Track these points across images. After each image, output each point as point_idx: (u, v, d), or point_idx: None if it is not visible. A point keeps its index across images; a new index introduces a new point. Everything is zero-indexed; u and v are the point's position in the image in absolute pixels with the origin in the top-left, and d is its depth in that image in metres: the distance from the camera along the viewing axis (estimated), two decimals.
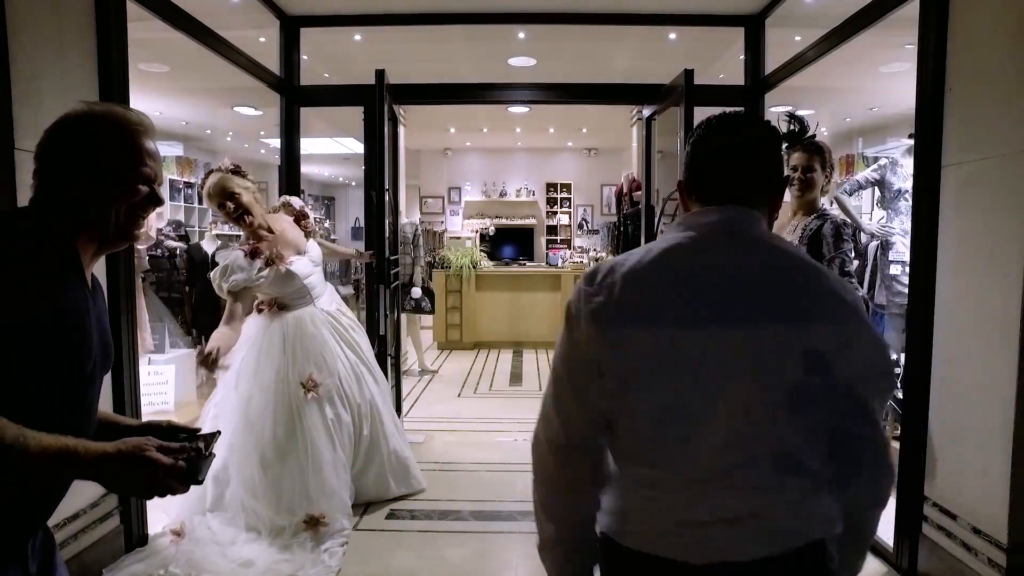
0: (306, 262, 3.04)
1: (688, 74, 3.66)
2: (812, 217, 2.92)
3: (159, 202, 1.21)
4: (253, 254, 2.84)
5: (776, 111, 3.79)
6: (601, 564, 1.13)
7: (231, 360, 2.90)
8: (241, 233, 3.00)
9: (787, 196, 3.11)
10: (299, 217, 3.20)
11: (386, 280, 3.85)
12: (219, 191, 2.79)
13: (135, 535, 2.71)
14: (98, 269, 2.55)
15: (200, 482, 1.09)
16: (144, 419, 1.15)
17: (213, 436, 1.18)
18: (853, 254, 2.97)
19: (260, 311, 3.03)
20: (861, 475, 1.08)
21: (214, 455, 1.16)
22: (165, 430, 1.24)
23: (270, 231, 2.95)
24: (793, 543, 1.01)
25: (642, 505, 1.05)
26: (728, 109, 1.27)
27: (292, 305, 3.02)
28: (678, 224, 1.11)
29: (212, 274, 2.90)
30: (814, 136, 3.09)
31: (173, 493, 1.07)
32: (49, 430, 0.99)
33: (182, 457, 1.06)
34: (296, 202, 3.29)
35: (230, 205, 2.80)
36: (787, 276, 1.04)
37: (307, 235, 3.18)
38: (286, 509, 2.82)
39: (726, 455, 1.00)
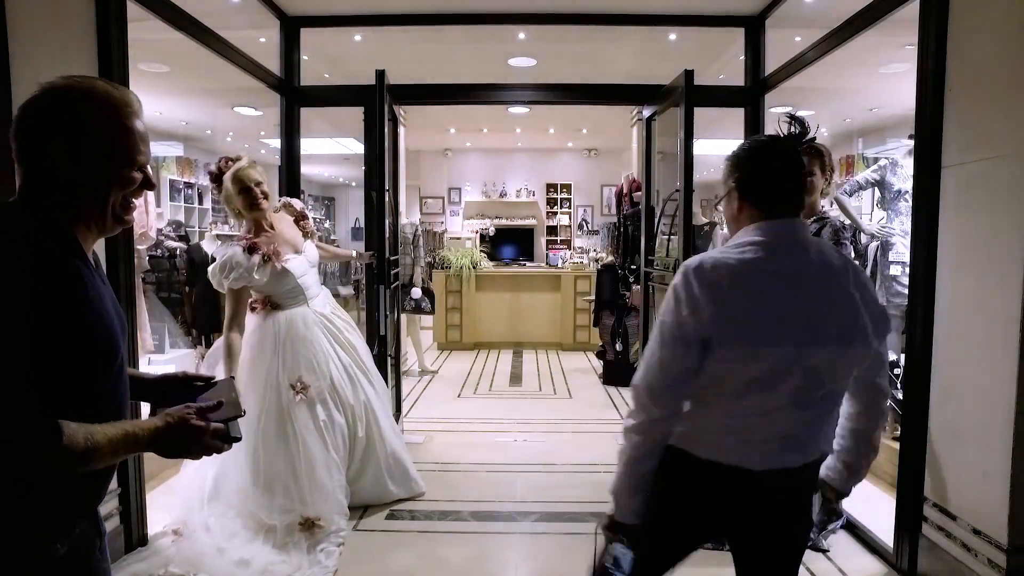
0: (302, 261, 3.04)
1: (688, 75, 3.66)
2: (811, 220, 2.92)
3: (152, 186, 1.21)
4: (251, 249, 2.85)
5: (776, 112, 3.79)
6: (672, 473, 1.49)
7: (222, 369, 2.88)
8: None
9: None
10: (299, 218, 3.22)
11: (386, 280, 3.85)
12: (251, 175, 2.88)
13: (135, 535, 2.71)
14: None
15: (239, 439, 1.21)
16: (145, 416, 1.20)
17: (230, 384, 1.32)
18: (852, 255, 2.97)
19: (253, 309, 3.02)
20: (879, 409, 1.56)
21: (244, 412, 1.29)
22: (181, 380, 1.37)
23: (271, 227, 2.98)
24: (816, 454, 1.51)
25: (718, 427, 1.44)
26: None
27: (285, 304, 3.01)
28: (755, 229, 1.46)
29: (211, 270, 2.88)
30: (814, 139, 3.09)
31: (219, 452, 1.19)
32: (106, 413, 1.09)
33: (219, 419, 1.18)
34: (296, 203, 3.32)
35: (256, 190, 2.88)
36: (837, 269, 1.44)
37: (305, 236, 3.19)
38: (279, 509, 2.82)
39: (793, 398, 1.39)
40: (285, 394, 2.91)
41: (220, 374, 2.82)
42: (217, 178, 2.94)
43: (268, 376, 2.91)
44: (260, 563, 2.57)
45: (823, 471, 1.61)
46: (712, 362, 1.39)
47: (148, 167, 1.20)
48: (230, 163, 2.92)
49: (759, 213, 1.48)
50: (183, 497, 2.84)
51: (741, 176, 1.53)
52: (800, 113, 3.26)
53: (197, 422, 1.14)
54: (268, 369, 2.92)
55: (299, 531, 2.79)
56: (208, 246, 6.41)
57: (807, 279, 1.41)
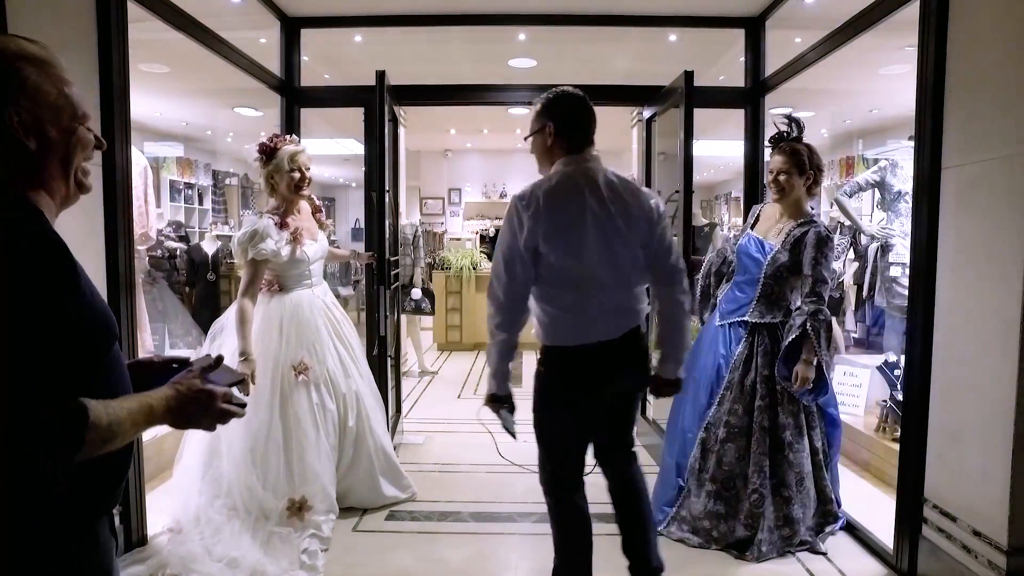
0: (316, 249, 3.15)
1: (688, 76, 3.66)
2: (798, 223, 2.91)
3: (103, 145, 1.14)
4: (282, 225, 2.98)
5: (776, 113, 3.79)
6: (543, 367, 2.23)
7: (227, 340, 2.93)
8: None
9: (768, 197, 3.12)
10: (315, 210, 3.32)
11: (386, 281, 3.85)
12: (307, 161, 3.07)
13: (135, 535, 2.71)
14: (97, 268, 2.56)
15: (244, 404, 1.21)
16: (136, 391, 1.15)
17: (209, 361, 1.21)
18: (833, 270, 2.94)
19: (260, 289, 3.04)
20: (680, 288, 2.20)
21: (243, 378, 1.30)
22: (159, 365, 1.30)
23: (299, 212, 3.11)
24: (628, 328, 2.16)
25: (561, 318, 2.13)
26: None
27: (291, 287, 3.06)
28: (562, 162, 2.15)
29: (238, 237, 2.93)
30: (798, 139, 3.09)
31: (234, 417, 1.16)
32: (115, 394, 1.06)
33: (223, 383, 1.18)
34: (315, 198, 3.40)
35: (308, 175, 3.06)
36: (618, 187, 2.11)
37: (321, 228, 3.29)
38: (272, 490, 2.83)
39: (601, 288, 2.08)
40: (287, 375, 2.95)
41: (228, 344, 2.86)
42: (268, 151, 3.01)
43: (272, 356, 2.94)
44: (249, 563, 2.57)
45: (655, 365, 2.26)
46: (544, 267, 2.05)
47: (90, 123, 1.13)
48: (281, 141, 3.04)
49: (565, 149, 2.15)
50: (179, 491, 2.85)
51: (555, 120, 2.14)
52: (800, 114, 3.27)
53: (208, 386, 1.13)
54: (273, 349, 2.95)
55: (288, 516, 2.80)
56: (208, 247, 6.43)
57: (598, 196, 2.06)
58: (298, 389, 2.95)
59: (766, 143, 3.12)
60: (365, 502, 3.22)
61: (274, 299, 3.03)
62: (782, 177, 2.91)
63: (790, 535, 2.83)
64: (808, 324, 2.76)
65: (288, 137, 3.12)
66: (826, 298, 2.83)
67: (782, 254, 2.88)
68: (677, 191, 3.92)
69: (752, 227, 3.10)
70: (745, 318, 2.96)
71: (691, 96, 3.66)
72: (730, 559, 2.80)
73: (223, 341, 2.94)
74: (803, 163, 2.90)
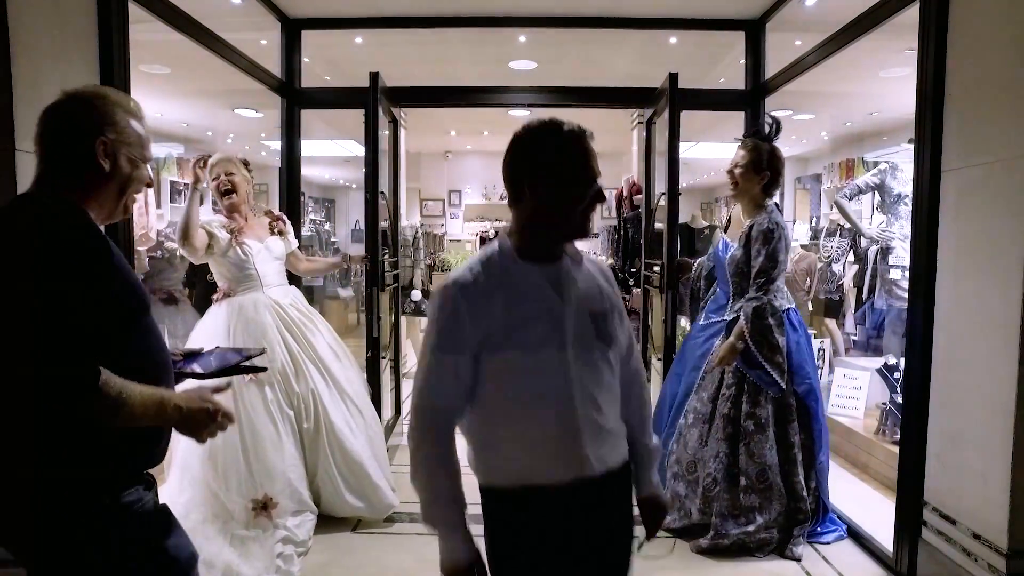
0: (260, 248, 3.20)
1: (672, 78, 3.66)
2: (751, 220, 2.96)
3: (152, 184, 1.41)
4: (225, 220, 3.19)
5: (776, 115, 3.79)
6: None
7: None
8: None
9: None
10: (274, 219, 3.39)
11: (379, 283, 3.85)
12: (223, 162, 3.19)
13: None
14: None
15: (265, 368, 1.52)
16: None
17: (212, 354, 1.58)
18: (779, 257, 2.90)
19: (216, 301, 3.15)
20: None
21: (256, 351, 1.72)
22: (179, 354, 1.60)
23: (245, 219, 3.23)
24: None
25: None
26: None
27: (238, 291, 3.12)
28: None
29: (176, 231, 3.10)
30: (765, 138, 3.12)
31: (223, 430, 1.35)
32: (152, 367, 1.29)
33: (242, 361, 1.56)
34: (276, 212, 3.51)
35: (224, 178, 3.17)
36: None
37: (273, 232, 3.33)
38: (235, 491, 2.81)
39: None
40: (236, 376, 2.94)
41: (208, 335, 2.96)
42: (203, 166, 3.19)
43: None
44: (223, 561, 2.56)
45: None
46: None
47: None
48: (199, 162, 3.17)
49: None
50: (167, 494, 2.85)
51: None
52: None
53: (215, 404, 1.31)
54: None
55: (255, 515, 2.79)
56: None
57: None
58: (248, 388, 2.93)
59: (734, 139, 3.16)
60: (329, 508, 3.10)
61: (223, 304, 3.09)
62: (737, 171, 2.97)
63: (746, 523, 2.83)
64: (741, 309, 2.87)
65: (206, 155, 3.23)
66: (772, 287, 2.85)
67: (738, 251, 2.97)
68: (663, 193, 3.92)
69: (725, 230, 3.19)
70: (724, 317, 3.04)
71: (675, 98, 3.66)
72: (724, 558, 2.80)
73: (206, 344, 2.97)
74: (760, 161, 2.94)
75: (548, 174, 1.30)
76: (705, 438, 2.95)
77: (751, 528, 2.82)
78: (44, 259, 1.13)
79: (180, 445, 2.88)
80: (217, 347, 1.56)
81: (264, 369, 1.33)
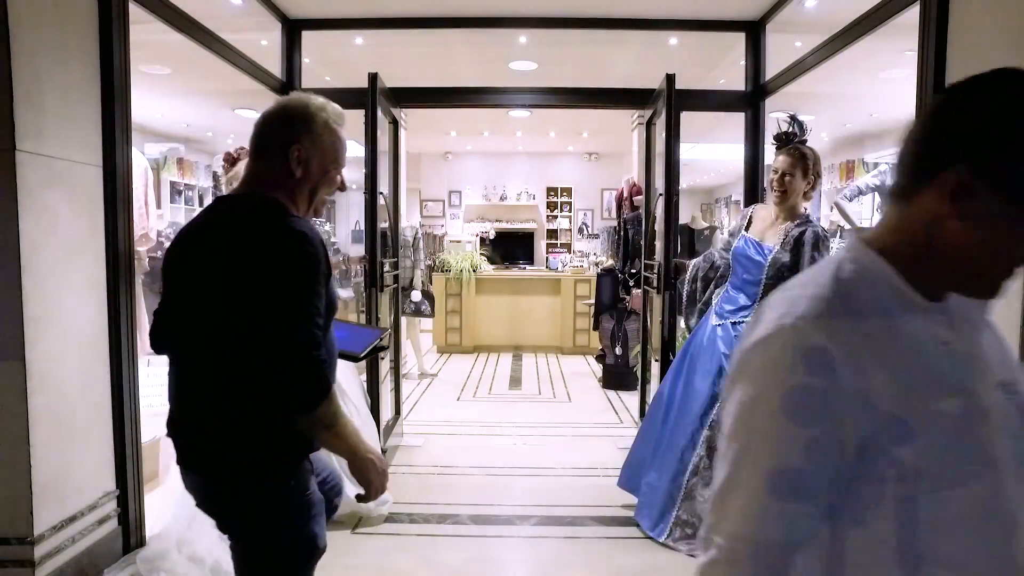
0: None
1: (670, 79, 3.66)
2: (795, 223, 2.92)
3: (344, 188, 1.54)
4: None
5: (776, 116, 3.79)
6: None
7: None
8: None
9: (769, 199, 3.12)
10: None
11: (377, 283, 3.85)
12: None
13: (134, 537, 2.71)
14: (97, 269, 2.56)
15: (386, 347, 1.64)
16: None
17: (342, 327, 1.76)
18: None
19: None
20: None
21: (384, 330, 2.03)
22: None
23: None
24: None
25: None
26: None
27: None
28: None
29: None
30: (804, 141, 3.06)
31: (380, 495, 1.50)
32: (333, 352, 1.49)
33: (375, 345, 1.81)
34: None
35: None
36: None
37: None
38: None
39: None
40: None
41: None
42: (232, 160, 3.16)
43: None
44: (213, 558, 2.56)
45: None
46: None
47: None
48: (245, 153, 3.10)
49: None
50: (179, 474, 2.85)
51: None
52: (800, 118, 3.23)
53: (384, 468, 1.48)
54: None
55: None
56: None
57: None
58: None
59: (771, 142, 3.10)
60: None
61: None
62: (787, 178, 2.91)
63: None
64: None
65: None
66: None
67: (783, 255, 2.89)
68: (660, 194, 3.92)
69: (746, 229, 3.11)
70: (748, 318, 2.97)
71: (673, 99, 3.66)
72: None
73: None
74: (808, 167, 2.91)
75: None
76: None
77: None
78: (312, 257, 1.34)
79: None
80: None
81: (388, 347, 1.47)
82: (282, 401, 1.33)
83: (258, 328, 1.30)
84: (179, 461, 1.46)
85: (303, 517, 1.46)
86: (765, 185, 3.07)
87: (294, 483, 1.44)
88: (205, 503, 1.49)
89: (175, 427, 1.46)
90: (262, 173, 1.45)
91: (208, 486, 1.46)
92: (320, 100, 1.48)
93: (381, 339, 1.84)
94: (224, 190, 3.22)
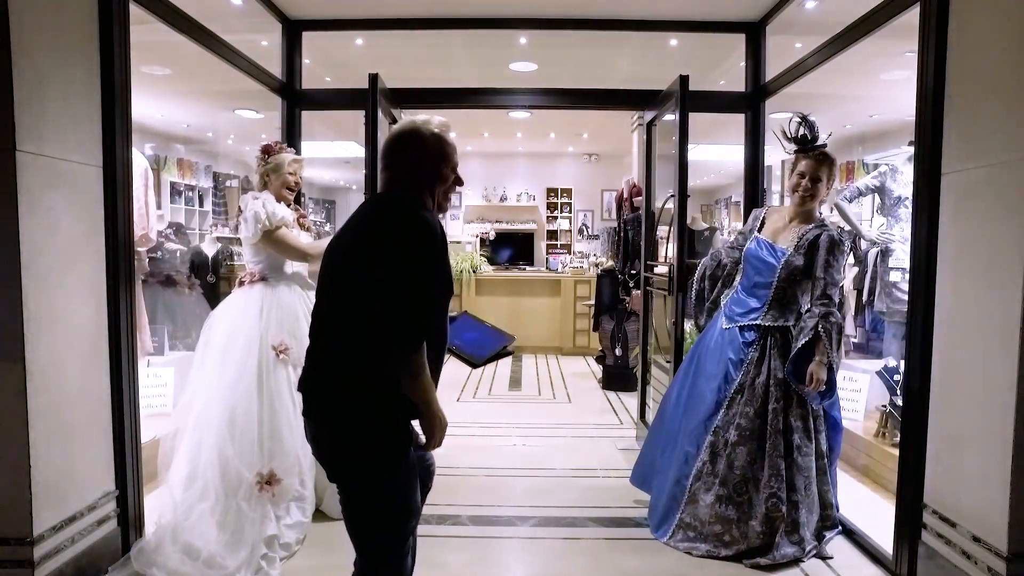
0: (305, 237, 3.33)
1: (683, 80, 3.66)
2: (811, 226, 2.91)
3: (461, 183, 1.92)
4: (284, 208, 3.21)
5: (776, 117, 3.79)
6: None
7: (210, 335, 3.01)
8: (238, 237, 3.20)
9: (787, 200, 3.10)
10: (300, 216, 3.43)
11: None
12: (301, 163, 3.30)
13: (133, 537, 2.71)
14: (97, 268, 2.56)
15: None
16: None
17: (467, 326, 2.04)
18: (843, 273, 2.95)
19: (242, 284, 3.15)
20: None
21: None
22: None
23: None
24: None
25: None
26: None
27: (272, 278, 3.15)
28: None
29: (246, 223, 3.04)
30: (825, 145, 3.04)
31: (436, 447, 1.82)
32: (441, 339, 1.79)
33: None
34: (300, 209, 3.56)
35: (300, 182, 3.32)
36: None
37: (306, 229, 3.42)
38: (245, 461, 2.82)
39: None
40: (267, 353, 2.98)
41: (239, 311, 3.06)
42: (270, 151, 3.24)
43: (251, 334, 2.99)
44: (208, 552, 2.56)
45: None
46: None
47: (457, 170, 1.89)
48: (284, 148, 3.29)
49: None
50: (186, 455, 2.85)
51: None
52: (811, 118, 3.18)
53: (445, 425, 1.79)
54: (252, 328, 3.00)
55: (259, 489, 2.79)
56: (209, 248, 6.42)
57: None
58: (278, 367, 2.98)
59: (786, 146, 3.06)
60: (331, 508, 3.14)
61: (257, 286, 3.12)
62: (816, 183, 2.90)
63: (799, 541, 2.80)
64: (820, 326, 2.79)
65: (291, 149, 3.34)
66: (836, 300, 2.84)
67: (796, 258, 2.89)
68: (672, 195, 3.92)
69: (759, 231, 3.09)
70: (757, 321, 2.96)
71: (685, 100, 3.66)
72: (737, 567, 2.79)
73: (209, 337, 3.01)
74: (833, 171, 2.93)
75: None
76: (755, 456, 2.84)
77: (806, 546, 2.80)
78: (442, 241, 1.70)
79: (200, 404, 2.91)
80: (465, 312, 1.89)
81: (512, 353, 1.65)
82: (396, 336, 1.64)
83: (395, 285, 1.64)
84: (304, 412, 1.78)
85: (398, 471, 1.74)
86: (788, 185, 3.04)
87: (395, 441, 1.73)
88: (320, 451, 1.81)
89: (307, 382, 1.78)
90: (393, 181, 1.83)
91: (326, 433, 1.76)
92: (423, 115, 1.85)
93: (506, 346, 2.07)
94: (255, 182, 3.27)
